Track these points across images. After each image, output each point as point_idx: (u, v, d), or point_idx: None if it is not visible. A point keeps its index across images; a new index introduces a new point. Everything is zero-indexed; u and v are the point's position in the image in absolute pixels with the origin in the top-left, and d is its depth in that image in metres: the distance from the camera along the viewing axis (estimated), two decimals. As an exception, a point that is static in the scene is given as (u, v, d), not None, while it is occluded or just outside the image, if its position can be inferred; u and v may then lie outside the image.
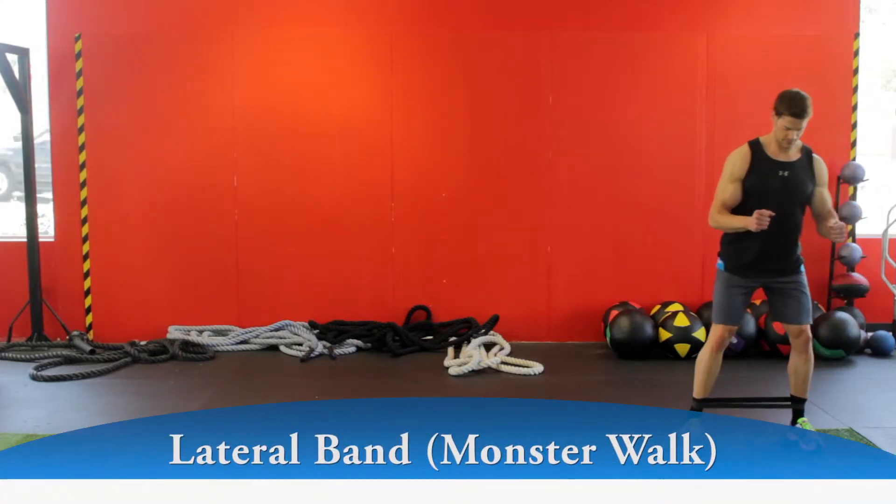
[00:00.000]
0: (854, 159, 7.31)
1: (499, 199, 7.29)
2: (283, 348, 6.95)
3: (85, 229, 7.24)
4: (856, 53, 7.26)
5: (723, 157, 7.22)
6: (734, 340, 6.60)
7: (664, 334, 6.68)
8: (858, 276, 7.11)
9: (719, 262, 4.77)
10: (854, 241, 7.32)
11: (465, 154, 7.28)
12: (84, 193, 7.22)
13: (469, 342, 6.85)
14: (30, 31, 7.58)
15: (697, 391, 4.83)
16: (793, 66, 7.24)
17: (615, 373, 6.44)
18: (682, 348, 6.63)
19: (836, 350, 6.57)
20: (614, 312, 6.93)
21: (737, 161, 4.68)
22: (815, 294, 7.26)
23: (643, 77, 7.25)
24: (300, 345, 6.95)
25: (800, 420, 4.82)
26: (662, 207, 7.28)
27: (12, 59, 6.95)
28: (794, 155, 4.64)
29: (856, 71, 7.29)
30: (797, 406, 4.87)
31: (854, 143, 7.33)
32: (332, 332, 7.11)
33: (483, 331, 7.07)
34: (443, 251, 7.32)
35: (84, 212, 7.23)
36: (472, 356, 6.39)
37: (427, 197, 7.27)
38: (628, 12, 7.22)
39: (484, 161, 7.25)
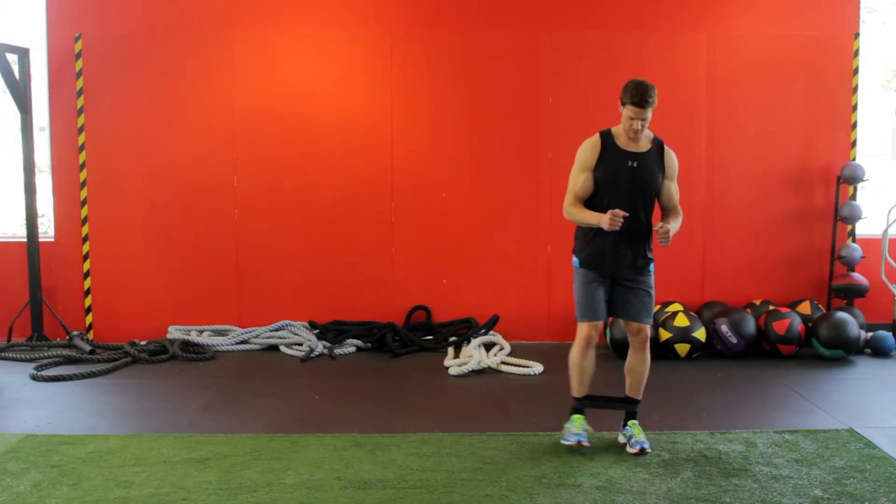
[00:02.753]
0: (854, 159, 7.31)
1: (499, 199, 7.29)
2: (283, 348, 6.96)
3: (85, 229, 7.25)
4: (856, 53, 7.26)
5: (723, 157, 7.35)
6: (734, 340, 6.60)
7: (664, 334, 6.68)
8: (858, 276, 7.12)
9: (574, 258, 4.67)
10: (854, 241, 7.32)
11: (465, 154, 7.28)
12: (84, 193, 7.22)
13: (469, 342, 6.85)
14: (30, 31, 7.58)
15: (575, 391, 4.73)
16: (793, 66, 7.26)
17: (615, 373, 6.38)
18: (682, 348, 6.63)
19: (836, 350, 6.57)
20: (614, 312, 6.93)
21: (587, 150, 4.61)
22: (815, 294, 7.31)
23: (643, 77, 7.22)
24: (300, 345, 6.96)
25: (630, 423, 4.70)
26: (662, 207, 7.28)
27: (12, 59, 6.95)
28: (644, 146, 4.57)
29: (856, 71, 7.29)
30: (630, 408, 4.74)
31: (854, 143, 7.33)
32: (332, 332, 7.11)
33: (483, 331, 7.07)
34: (443, 251, 7.33)
35: (84, 212, 7.23)
36: (472, 356, 6.39)
37: (427, 197, 7.27)
38: (628, 12, 7.23)
39: (484, 161, 7.25)
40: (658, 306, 7.14)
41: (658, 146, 4.61)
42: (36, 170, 7.25)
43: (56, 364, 6.46)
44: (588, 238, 4.57)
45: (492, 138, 7.27)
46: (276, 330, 7.10)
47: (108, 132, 7.19)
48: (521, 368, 6.32)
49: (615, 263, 4.55)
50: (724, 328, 6.65)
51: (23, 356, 6.69)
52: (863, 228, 7.46)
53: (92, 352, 6.74)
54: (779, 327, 6.63)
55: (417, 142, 7.26)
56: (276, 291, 7.29)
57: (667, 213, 4.66)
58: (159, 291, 7.29)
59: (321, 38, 7.20)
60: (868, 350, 6.86)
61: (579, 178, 4.59)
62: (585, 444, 4.57)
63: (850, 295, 7.10)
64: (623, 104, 4.47)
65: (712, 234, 7.34)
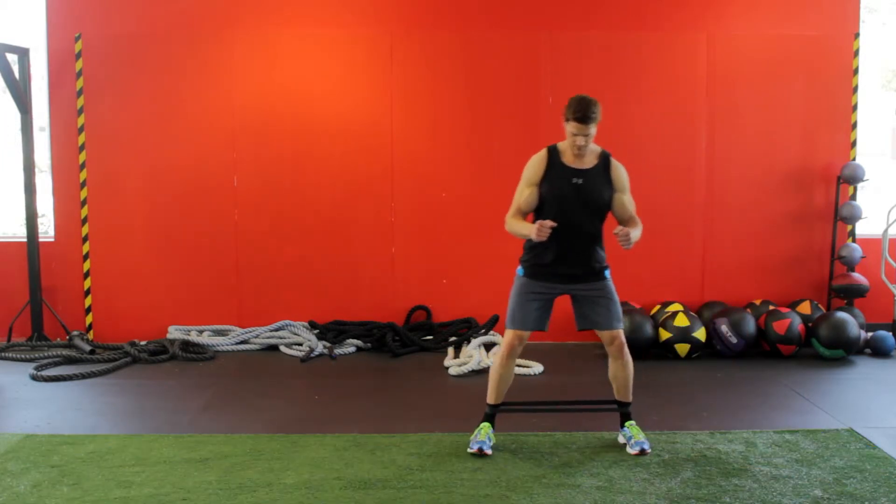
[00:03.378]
0: (854, 159, 7.31)
1: (499, 199, 7.22)
2: (283, 348, 6.96)
3: (85, 229, 7.25)
4: (856, 53, 7.26)
5: (723, 157, 7.35)
6: (734, 340, 6.60)
7: (664, 334, 6.68)
8: (858, 276, 7.12)
9: (519, 267, 4.65)
10: (854, 241, 7.32)
11: (465, 154, 7.28)
12: (84, 193, 7.22)
13: (469, 342, 6.85)
14: (30, 31, 7.58)
15: (490, 397, 4.70)
16: (793, 66, 7.26)
17: (615, 373, 6.43)
18: (682, 348, 6.63)
19: (836, 350, 6.57)
20: (614, 312, 6.92)
21: (533, 166, 4.58)
22: (815, 294, 7.30)
23: (643, 77, 7.26)
24: (300, 345, 6.96)
25: (627, 424, 4.67)
26: (662, 207, 7.28)
27: (12, 59, 6.95)
28: (589, 162, 4.53)
29: (856, 71, 7.29)
30: (623, 410, 4.72)
31: (854, 143, 7.33)
32: (332, 332, 7.11)
33: (483, 331, 7.07)
34: (443, 251, 7.33)
35: (84, 212, 7.23)
36: (472, 356, 6.39)
37: (427, 197, 7.27)
38: (628, 12, 7.23)
39: (484, 161, 7.25)
40: (658, 306, 7.14)
41: (604, 161, 4.58)
42: (36, 170, 7.25)
43: (56, 364, 6.46)
44: (534, 250, 4.55)
45: (492, 138, 7.27)
46: (276, 330, 7.10)
47: (108, 132, 7.19)
48: (521, 368, 6.32)
49: (558, 276, 4.54)
50: (724, 328, 6.65)
51: (23, 356, 6.69)
52: (863, 228, 7.46)
53: (92, 352, 6.74)
54: (779, 327, 6.63)
55: (417, 142, 7.26)
56: (276, 291, 7.29)
57: (625, 224, 4.63)
58: (159, 291, 7.29)
59: (321, 38, 7.20)
60: (868, 350, 6.86)
61: (524, 193, 4.58)
62: (487, 451, 4.54)
63: (850, 295, 7.10)
64: (566, 120, 4.43)
65: (712, 234, 7.34)
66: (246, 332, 7.08)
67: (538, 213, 4.59)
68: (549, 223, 4.35)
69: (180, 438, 4.84)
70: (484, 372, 6.30)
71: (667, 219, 7.29)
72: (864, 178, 7.16)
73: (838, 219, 7.27)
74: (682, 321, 6.65)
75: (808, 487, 4.14)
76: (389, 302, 7.34)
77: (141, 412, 5.50)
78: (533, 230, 4.36)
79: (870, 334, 6.87)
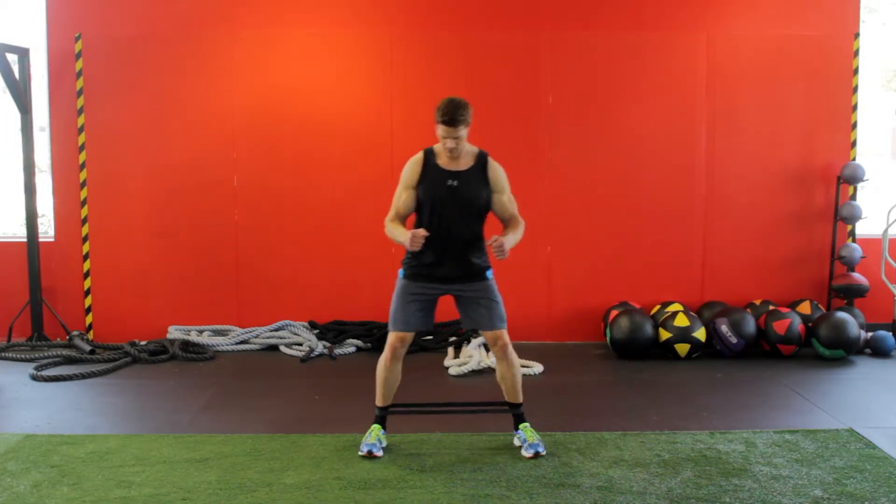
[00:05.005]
0: (854, 159, 7.31)
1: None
2: (283, 348, 6.96)
3: (85, 229, 7.25)
4: (856, 53, 7.26)
5: (723, 157, 7.35)
6: (734, 340, 6.60)
7: (664, 334, 6.68)
8: (858, 276, 7.11)
9: (400, 269, 4.64)
10: (854, 241, 7.32)
11: (465, 154, 7.27)
12: (84, 193, 7.22)
13: (469, 342, 6.85)
14: (30, 31, 7.58)
15: (378, 399, 4.69)
16: (793, 66, 7.26)
17: (615, 373, 6.44)
18: (682, 348, 6.63)
19: (836, 350, 6.57)
20: (614, 312, 6.93)
21: (409, 169, 4.54)
22: (815, 294, 7.30)
23: (643, 77, 7.26)
24: (300, 345, 6.96)
25: (521, 426, 4.64)
26: (662, 207, 7.29)
27: (12, 59, 6.95)
28: (465, 163, 4.51)
29: (856, 71, 7.29)
30: (514, 412, 4.69)
31: (854, 143, 7.33)
32: (332, 332, 7.11)
33: (483, 331, 7.06)
34: (443, 251, 7.31)
35: (84, 212, 7.23)
36: (472, 356, 6.39)
37: (427, 197, 7.26)
38: (628, 12, 7.23)
39: (484, 161, 7.24)
40: (658, 306, 7.14)
41: (481, 162, 4.56)
42: (36, 170, 7.25)
43: (56, 364, 6.46)
44: (413, 252, 4.51)
45: (492, 138, 7.23)
46: (276, 330, 7.10)
47: (108, 132, 7.19)
48: (521, 368, 6.31)
49: (437, 278, 4.52)
50: (724, 328, 6.65)
51: (23, 356, 6.69)
52: (863, 228, 7.46)
53: (92, 352, 6.74)
54: (779, 327, 6.63)
55: (417, 142, 7.15)
56: (276, 291, 7.29)
57: (506, 225, 4.63)
58: (159, 291, 7.29)
59: (321, 38, 7.20)
60: (868, 350, 6.86)
61: (401, 196, 4.56)
62: (377, 454, 4.52)
63: (850, 295, 7.10)
64: (436, 122, 4.40)
65: (712, 234, 7.34)
66: (246, 332, 7.09)
67: (418, 215, 4.57)
68: (421, 233, 4.35)
69: (180, 438, 4.84)
70: (484, 372, 6.31)
71: (667, 219, 7.29)
72: (864, 178, 7.16)
73: (838, 219, 7.27)
74: (682, 321, 6.65)
75: (808, 487, 4.14)
76: (389, 302, 7.31)
77: (141, 412, 5.50)
78: (407, 238, 4.36)
79: (870, 334, 6.87)
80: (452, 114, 4.34)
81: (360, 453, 4.54)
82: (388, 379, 4.66)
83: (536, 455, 4.51)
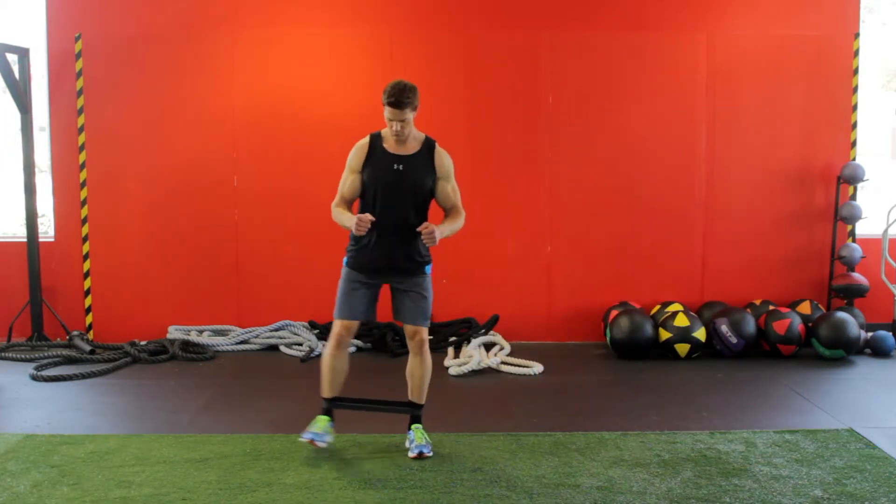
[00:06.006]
0: (854, 159, 7.31)
1: (499, 199, 7.29)
2: (283, 348, 6.96)
3: (85, 229, 7.25)
4: (856, 53, 7.26)
5: (723, 157, 7.35)
6: (734, 340, 6.60)
7: (664, 334, 6.68)
8: (858, 276, 7.12)
9: (345, 258, 4.63)
10: (854, 241, 7.32)
11: (465, 154, 7.25)
12: (84, 193, 7.22)
13: (469, 342, 6.85)
14: (30, 31, 7.58)
15: (323, 390, 4.66)
16: (793, 66, 7.26)
17: (615, 373, 6.44)
18: (682, 348, 6.63)
19: (836, 350, 6.57)
20: (614, 312, 6.93)
21: (355, 153, 4.53)
22: (815, 294, 7.30)
23: (643, 77, 7.26)
24: (300, 345, 6.96)
25: (413, 426, 4.63)
26: (662, 207, 7.29)
27: (12, 59, 6.95)
28: (412, 148, 4.50)
29: (856, 71, 7.29)
30: (413, 412, 4.67)
31: (854, 143, 7.33)
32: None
33: (483, 331, 7.07)
34: (442, 251, 7.27)
35: (84, 212, 7.23)
36: (472, 356, 6.39)
37: (427, 197, 7.26)
38: (628, 12, 7.23)
39: (484, 161, 7.25)
40: (658, 306, 7.14)
41: (428, 147, 4.55)
42: (36, 170, 7.25)
43: (56, 364, 6.46)
44: (357, 240, 4.52)
45: (492, 138, 7.27)
46: (276, 330, 7.10)
47: (108, 132, 7.19)
48: (521, 368, 6.32)
49: (381, 265, 4.52)
50: (724, 328, 6.65)
51: (23, 356, 6.69)
52: (863, 228, 7.46)
53: (92, 352, 6.74)
54: (779, 327, 6.63)
55: (417, 142, 7.25)
56: (276, 291, 7.29)
57: (447, 214, 4.61)
58: (159, 291, 7.29)
59: (321, 37, 7.20)
60: (868, 350, 6.86)
61: (347, 181, 4.55)
62: (320, 444, 4.52)
63: (850, 295, 7.10)
64: (383, 105, 4.39)
65: (712, 234, 7.34)
66: (246, 332, 7.08)
67: (363, 199, 4.55)
68: (367, 217, 4.34)
69: (180, 438, 4.84)
70: (484, 372, 6.31)
71: (667, 218, 7.29)
72: (864, 178, 7.16)
73: (838, 219, 7.27)
74: (682, 321, 6.65)
75: (808, 487, 4.14)
76: (389, 302, 7.30)
77: (141, 412, 5.50)
78: (353, 223, 4.34)
79: (870, 334, 6.87)
80: (398, 96, 4.34)
81: (301, 438, 4.54)
82: (334, 368, 4.64)
83: (420, 455, 4.49)
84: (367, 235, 4.44)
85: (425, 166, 4.51)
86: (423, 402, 4.70)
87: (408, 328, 4.59)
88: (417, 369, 4.64)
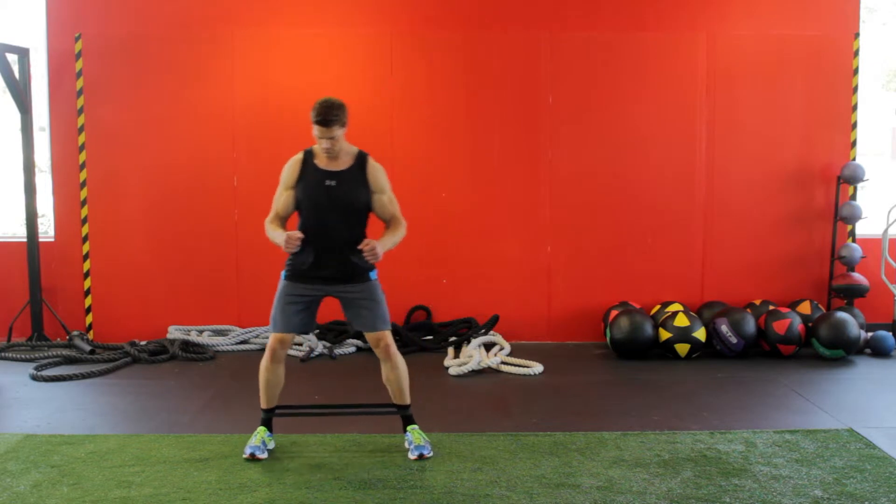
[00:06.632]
0: (854, 159, 7.31)
1: (499, 199, 7.29)
2: (283, 348, 6.95)
3: (85, 229, 7.25)
4: (856, 53, 7.26)
5: (723, 157, 7.35)
6: (734, 340, 6.60)
7: (664, 334, 6.67)
8: (858, 276, 7.11)
9: (283, 271, 4.63)
10: (854, 241, 7.32)
11: (465, 154, 7.28)
12: (84, 193, 7.22)
13: (469, 342, 6.85)
14: (30, 31, 7.59)
15: (262, 402, 4.65)
16: (793, 66, 7.26)
17: (615, 373, 6.44)
18: (682, 348, 6.63)
19: (836, 350, 6.57)
20: (614, 312, 6.93)
21: (288, 169, 4.53)
22: (815, 294, 7.30)
23: (643, 77, 7.26)
24: (300, 345, 6.95)
25: (408, 428, 4.64)
26: (662, 207, 7.29)
27: (12, 59, 6.95)
28: (344, 163, 4.50)
29: (856, 71, 7.29)
30: (402, 413, 4.69)
31: (854, 143, 7.33)
32: (332, 332, 7.11)
33: (483, 331, 7.07)
34: (443, 251, 7.33)
35: (84, 212, 7.23)
36: (472, 356, 6.39)
37: (427, 197, 7.27)
38: (628, 12, 7.23)
39: (484, 161, 7.25)
40: (658, 306, 7.14)
41: (360, 162, 4.56)
42: (36, 170, 7.25)
43: (56, 364, 6.46)
44: (295, 253, 4.51)
45: (492, 138, 7.27)
46: (276, 330, 7.09)
47: (108, 132, 7.19)
48: (521, 368, 6.32)
49: (318, 279, 4.52)
50: (724, 328, 6.65)
51: (23, 356, 6.69)
52: (863, 228, 7.46)
53: (92, 352, 6.74)
54: (779, 327, 6.63)
55: (417, 142, 7.26)
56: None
57: (387, 226, 4.62)
58: (159, 291, 7.29)
59: (321, 37, 7.20)
60: (868, 350, 6.86)
61: (281, 197, 4.55)
62: (261, 456, 4.51)
63: (850, 295, 7.10)
64: (312, 123, 4.39)
65: (712, 234, 7.34)
66: (246, 332, 7.08)
67: (299, 215, 4.56)
68: (296, 235, 4.37)
69: (180, 438, 4.84)
70: (484, 372, 6.31)
71: (667, 218, 7.29)
72: (864, 178, 7.16)
73: (838, 219, 7.27)
74: (682, 321, 6.65)
75: (808, 487, 4.14)
76: (389, 302, 7.28)
77: (141, 412, 5.50)
78: (283, 240, 4.37)
79: (870, 334, 6.87)
80: (325, 114, 4.34)
81: (243, 456, 4.52)
82: (269, 381, 4.63)
83: (421, 457, 4.49)
84: (305, 250, 4.46)
85: (358, 181, 4.51)
86: (407, 402, 4.70)
87: (370, 336, 4.59)
88: (391, 374, 4.64)
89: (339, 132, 4.40)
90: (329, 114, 4.34)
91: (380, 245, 4.41)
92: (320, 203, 4.46)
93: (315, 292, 4.57)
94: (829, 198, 7.32)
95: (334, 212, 4.46)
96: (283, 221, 4.57)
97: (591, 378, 6.29)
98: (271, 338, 4.59)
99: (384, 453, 4.61)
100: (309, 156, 4.55)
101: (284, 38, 7.19)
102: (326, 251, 4.48)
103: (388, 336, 4.59)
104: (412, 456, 4.51)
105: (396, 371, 4.62)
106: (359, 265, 4.52)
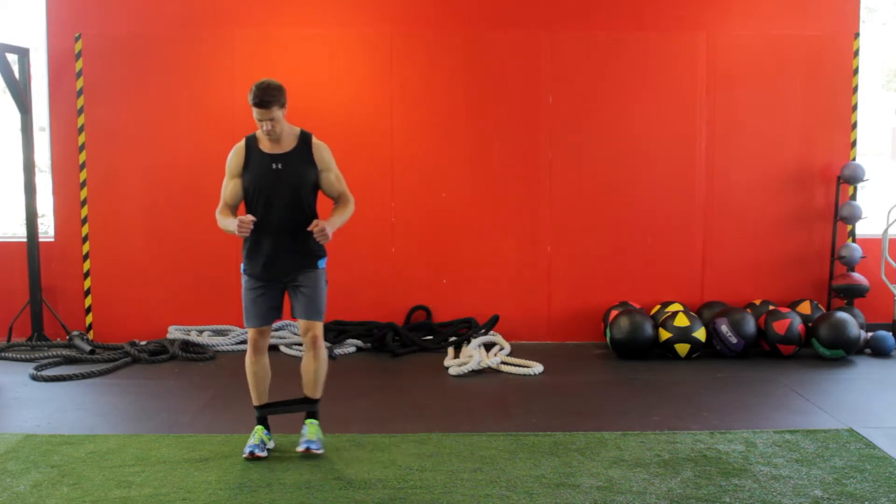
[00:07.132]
0: (854, 159, 7.31)
1: (499, 199, 7.29)
2: (283, 348, 6.96)
3: (85, 229, 7.25)
4: (856, 53, 7.26)
5: (723, 157, 7.35)
6: (734, 340, 6.60)
7: (664, 334, 6.67)
8: (858, 276, 7.12)
9: (242, 265, 4.62)
10: (854, 241, 7.32)
11: (465, 154, 7.28)
12: (84, 193, 7.22)
13: (469, 342, 6.85)
14: (30, 31, 7.59)
15: (253, 399, 4.67)
16: (793, 66, 7.26)
17: (615, 373, 6.44)
18: (682, 348, 6.63)
19: (836, 350, 6.57)
20: (614, 312, 6.94)
21: (233, 158, 4.52)
22: (815, 294, 7.29)
23: (643, 77, 7.26)
24: (300, 345, 6.95)
25: (307, 421, 4.64)
26: (662, 207, 7.29)
27: (12, 59, 6.95)
28: (288, 145, 4.48)
29: (856, 71, 7.29)
30: (309, 407, 4.68)
31: (854, 143, 7.33)
32: (332, 332, 7.11)
33: (483, 331, 7.07)
34: (443, 251, 7.33)
35: (84, 212, 7.23)
36: (472, 356, 6.39)
37: (427, 197, 7.27)
38: (628, 12, 7.23)
39: (484, 161, 7.25)
40: (658, 306, 7.14)
41: (305, 142, 4.54)
42: (36, 170, 7.25)
43: (56, 364, 6.46)
44: (248, 244, 4.50)
45: (492, 138, 7.27)
46: (276, 330, 7.10)
47: (108, 132, 7.19)
48: (521, 368, 6.32)
49: (274, 266, 4.50)
50: (724, 328, 6.65)
51: (23, 356, 6.69)
52: (863, 228, 7.46)
53: (92, 352, 6.74)
54: (779, 327, 6.63)
55: (417, 142, 7.26)
56: (276, 291, 7.28)
57: (336, 203, 4.62)
58: (159, 291, 7.29)
59: (321, 37, 7.20)
60: (868, 350, 6.86)
61: (228, 186, 4.53)
62: (260, 454, 4.51)
63: (850, 295, 7.10)
64: (251, 106, 4.38)
65: (712, 234, 7.34)
66: (246, 332, 7.07)
67: (247, 203, 4.54)
68: (249, 218, 4.34)
69: (180, 438, 4.84)
70: (484, 372, 6.31)
71: (667, 218, 7.29)
72: (864, 178, 7.16)
73: (838, 219, 7.27)
74: (682, 321, 6.65)
75: (808, 487, 4.14)
76: (389, 302, 7.33)
77: (141, 412, 5.50)
78: (235, 225, 4.34)
79: (870, 334, 6.87)
80: (262, 95, 4.32)
81: (243, 455, 4.52)
82: (256, 373, 4.65)
83: (308, 451, 4.50)
84: (257, 238, 4.45)
85: (304, 161, 4.50)
86: (318, 396, 4.71)
87: (301, 323, 4.58)
88: (311, 364, 4.63)
89: (278, 113, 4.38)
90: (266, 94, 4.32)
91: (329, 225, 4.41)
92: (269, 187, 4.44)
93: (274, 282, 4.57)
94: (829, 198, 7.32)
95: (283, 194, 4.45)
96: (232, 210, 4.55)
97: (591, 378, 6.29)
98: (250, 332, 4.62)
99: (384, 453, 4.61)
100: (252, 141, 4.54)
101: (284, 38, 7.19)
102: (278, 237, 4.46)
103: (318, 327, 4.57)
104: (300, 448, 4.52)
105: (316, 363, 4.62)
106: (309, 249, 4.50)
